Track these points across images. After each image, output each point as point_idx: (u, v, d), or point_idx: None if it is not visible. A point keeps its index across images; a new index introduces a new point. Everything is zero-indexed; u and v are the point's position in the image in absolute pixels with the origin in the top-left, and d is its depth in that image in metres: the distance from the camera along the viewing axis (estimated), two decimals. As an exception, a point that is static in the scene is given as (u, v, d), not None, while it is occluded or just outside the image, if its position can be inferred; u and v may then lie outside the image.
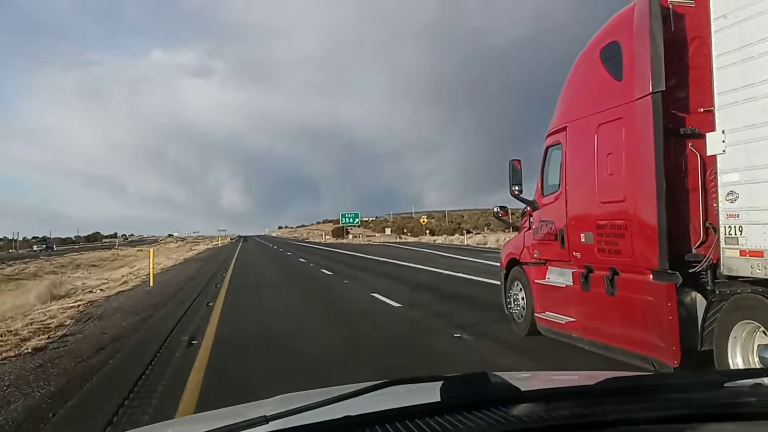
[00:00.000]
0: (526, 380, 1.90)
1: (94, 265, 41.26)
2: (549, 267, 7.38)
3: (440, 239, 65.94)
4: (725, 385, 1.40)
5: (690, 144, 5.29)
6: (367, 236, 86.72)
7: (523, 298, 7.82)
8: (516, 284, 8.04)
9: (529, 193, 7.75)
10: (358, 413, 1.26)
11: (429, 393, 1.35)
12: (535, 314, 7.39)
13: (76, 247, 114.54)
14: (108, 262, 44.79)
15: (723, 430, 1.31)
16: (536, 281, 7.45)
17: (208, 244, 77.43)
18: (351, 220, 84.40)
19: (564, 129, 6.74)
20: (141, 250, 59.41)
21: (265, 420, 1.25)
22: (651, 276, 5.26)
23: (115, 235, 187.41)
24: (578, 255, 6.41)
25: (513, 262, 8.25)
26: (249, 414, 1.32)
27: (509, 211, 9.09)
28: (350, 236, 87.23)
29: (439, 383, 1.34)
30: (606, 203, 5.88)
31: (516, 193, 7.58)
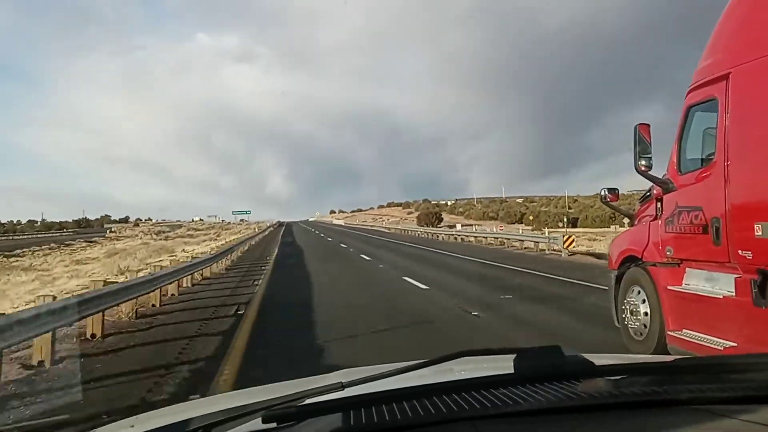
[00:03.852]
0: (599, 358, 1.55)
1: None
2: (687, 269, 5.48)
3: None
4: None
5: None
6: (476, 222, 57.05)
7: (645, 309, 5.95)
8: (635, 290, 6.15)
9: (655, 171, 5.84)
10: (430, 382, 1.26)
11: (500, 365, 1.33)
12: (667, 332, 5.52)
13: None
14: None
15: None
16: (669, 288, 5.56)
17: (176, 253, 30.38)
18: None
19: (724, 78, 4.80)
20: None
21: (341, 386, 1.22)
22: None
23: (126, 219, 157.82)
24: (747, 255, 4.52)
25: (629, 261, 6.37)
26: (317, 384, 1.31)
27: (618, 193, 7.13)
28: (458, 226, 54.43)
29: (511, 356, 1.27)
30: None
31: (643, 169, 5.64)
